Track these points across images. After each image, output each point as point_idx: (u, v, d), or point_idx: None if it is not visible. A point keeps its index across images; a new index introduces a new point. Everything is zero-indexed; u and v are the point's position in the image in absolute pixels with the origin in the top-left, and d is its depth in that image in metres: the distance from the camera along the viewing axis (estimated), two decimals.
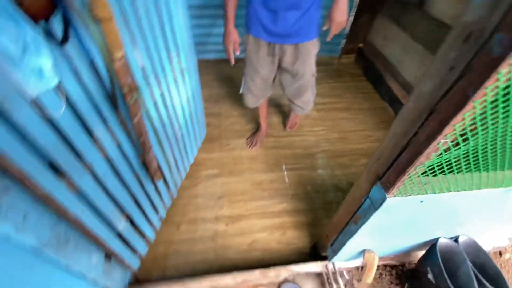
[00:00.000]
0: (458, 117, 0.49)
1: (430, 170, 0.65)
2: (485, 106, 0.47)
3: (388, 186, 0.70)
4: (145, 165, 1.07)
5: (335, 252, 1.11)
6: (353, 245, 1.03)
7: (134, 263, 1.17)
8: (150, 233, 1.26)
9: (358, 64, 2.85)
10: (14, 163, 0.57)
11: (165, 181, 1.32)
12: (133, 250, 1.15)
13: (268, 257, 1.39)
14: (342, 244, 1.03)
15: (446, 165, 0.63)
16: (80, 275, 0.92)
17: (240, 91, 1.56)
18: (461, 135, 0.54)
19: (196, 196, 1.63)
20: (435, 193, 0.72)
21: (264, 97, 1.59)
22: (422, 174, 0.66)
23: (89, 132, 0.76)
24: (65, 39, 0.60)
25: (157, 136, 1.11)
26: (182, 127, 1.40)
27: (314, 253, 1.38)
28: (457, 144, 0.55)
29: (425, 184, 0.72)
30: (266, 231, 1.49)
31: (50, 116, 0.62)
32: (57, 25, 0.58)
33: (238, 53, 1.27)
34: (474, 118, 0.50)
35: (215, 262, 1.36)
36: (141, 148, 0.98)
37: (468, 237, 1.08)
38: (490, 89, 0.43)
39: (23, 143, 0.58)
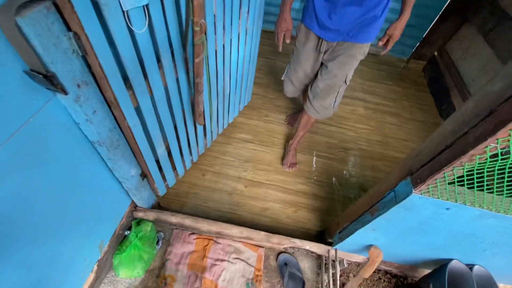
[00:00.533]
0: None
1: (467, 177, 0.63)
2: None
3: (418, 182, 0.69)
4: (193, 107, 1.17)
5: (341, 239, 1.14)
6: (361, 237, 1.04)
7: (161, 189, 1.32)
8: (180, 169, 1.39)
9: (426, 73, 2.62)
10: (99, 62, 0.68)
11: (204, 128, 1.42)
12: (163, 177, 1.29)
13: (275, 227, 1.46)
14: (351, 233, 1.04)
15: (487, 176, 0.61)
16: (118, 181, 1.07)
17: (282, 77, 1.52)
18: None
19: (226, 154, 1.73)
20: (465, 204, 0.70)
21: (303, 90, 1.52)
22: (457, 179, 0.64)
23: (158, 58, 0.85)
24: None
25: (209, 84, 1.19)
26: (232, 85, 1.47)
27: (320, 238, 1.41)
28: (507, 153, 0.53)
29: (458, 193, 0.70)
30: (280, 204, 1.55)
31: (133, 30, 0.71)
32: None
33: (288, 41, 1.23)
34: None
35: (227, 214, 1.46)
36: (194, 89, 1.07)
37: (485, 270, 1.02)
38: None
39: (109, 47, 0.68)
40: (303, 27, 1.22)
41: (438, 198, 0.70)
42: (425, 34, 2.45)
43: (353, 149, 1.90)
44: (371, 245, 1.08)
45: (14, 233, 0.68)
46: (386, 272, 1.39)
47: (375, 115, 2.17)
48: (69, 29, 0.60)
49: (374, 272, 1.40)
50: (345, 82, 1.28)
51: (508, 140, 0.51)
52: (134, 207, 1.30)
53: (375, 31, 1.10)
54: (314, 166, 1.76)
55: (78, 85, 0.68)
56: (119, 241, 1.24)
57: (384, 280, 1.36)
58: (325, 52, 1.23)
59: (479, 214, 0.72)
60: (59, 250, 0.86)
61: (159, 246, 1.31)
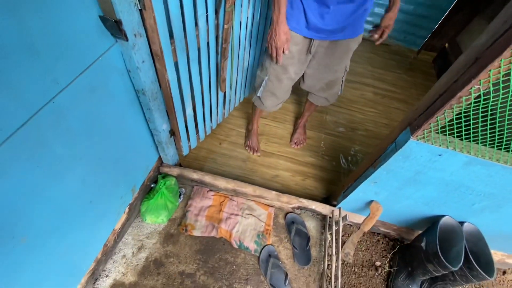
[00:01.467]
0: (495, 63, 0.59)
1: (457, 121, 0.75)
2: None
3: (415, 129, 0.82)
4: (217, 73, 1.30)
5: (345, 197, 1.27)
6: (363, 192, 1.17)
7: (185, 149, 1.47)
8: (202, 133, 1.54)
9: (435, 64, 2.70)
10: (154, 16, 0.81)
11: (224, 97, 1.56)
12: (188, 138, 1.44)
13: (285, 191, 1.59)
14: (354, 188, 1.17)
15: (473, 121, 0.73)
16: (151, 133, 1.23)
17: (258, 94, 1.32)
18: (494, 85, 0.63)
19: (241, 126, 1.87)
20: (455, 150, 0.82)
21: (284, 100, 1.40)
22: (448, 123, 0.76)
23: (195, 20, 0.99)
24: None
25: (232, 52, 1.32)
26: (251, 58, 1.59)
27: (326, 202, 1.55)
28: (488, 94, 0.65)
29: (449, 141, 0.82)
30: (289, 172, 1.69)
31: None
32: None
33: (287, 52, 1.08)
34: (510, 68, 0.59)
35: (241, 177, 1.61)
36: (221, 55, 1.20)
37: (474, 226, 1.14)
38: None
39: (163, 4, 0.82)
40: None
41: (432, 143, 0.83)
42: (437, 25, 2.52)
43: (360, 130, 2.01)
44: (372, 201, 1.21)
45: (78, 153, 0.83)
46: (385, 236, 1.51)
47: (383, 100, 2.27)
48: None
49: (374, 234, 1.53)
50: (346, 69, 1.29)
51: (489, 82, 0.63)
52: (161, 163, 1.45)
53: (364, 22, 1.12)
54: (323, 141, 1.89)
55: (135, 35, 0.82)
56: (147, 191, 1.40)
57: (382, 242, 1.49)
58: (315, 53, 1.16)
59: (467, 161, 0.84)
60: (104, 181, 1.02)
61: (181, 199, 1.47)
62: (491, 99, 0.66)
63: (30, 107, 0.63)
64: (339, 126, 2.00)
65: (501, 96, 0.63)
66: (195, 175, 1.45)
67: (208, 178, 1.45)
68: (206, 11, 1.01)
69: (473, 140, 0.82)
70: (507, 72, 0.60)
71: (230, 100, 1.69)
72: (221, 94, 1.50)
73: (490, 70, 0.61)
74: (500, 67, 0.59)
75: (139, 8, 0.79)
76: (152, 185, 1.41)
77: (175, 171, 1.45)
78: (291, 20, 1.02)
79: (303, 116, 1.78)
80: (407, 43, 2.78)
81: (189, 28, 0.97)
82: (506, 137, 0.76)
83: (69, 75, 0.71)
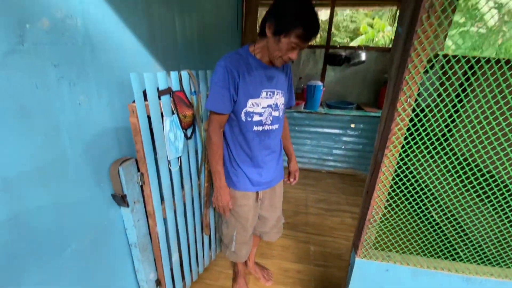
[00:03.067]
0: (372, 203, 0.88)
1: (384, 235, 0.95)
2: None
3: (356, 246, 0.99)
4: (201, 220, 1.56)
5: None
6: None
7: None
8: (188, 279, 1.58)
9: None
10: (150, 187, 1.16)
11: (209, 240, 1.73)
12: (174, 286, 1.48)
13: None
14: None
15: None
16: (138, 284, 1.31)
17: (232, 249, 1.42)
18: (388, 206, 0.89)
19: (229, 267, 1.91)
20: (397, 264, 0.96)
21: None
22: (380, 239, 0.96)
23: (182, 185, 1.35)
24: (190, 137, 1.30)
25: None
26: None
27: None
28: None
29: (388, 256, 0.98)
30: None
31: (171, 169, 1.24)
32: (189, 132, 1.29)
33: (231, 207, 1.27)
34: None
35: None
36: (204, 204, 1.50)
37: None
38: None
39: (155, 176, 1.19)
40: (239, 193, 1.26)
41: (376, 259, 0.97)
42: None
43: (346, 257, 2.05)
44: None
45: None
46: None
47: None
48: (138, 170, 1.13)
49: None
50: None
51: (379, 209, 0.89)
52: None
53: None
54: (313, 274, 1.88)
55: (134, 202, 1.13)
56: None
57: None
58: (263, 197, 1.37)
59: (413, 272, 0.96)
60: None
61: None
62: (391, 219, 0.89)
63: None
64: (326, 256, 2.05)
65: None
66: None
67: None
68: (190, 177, 1.39)
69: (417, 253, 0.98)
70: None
71: (216, 242, 1.85)
72: (206, 237, 1.69)
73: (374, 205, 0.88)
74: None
75: (140, 184, 1.15)
76: None
77: None
78: (240, 185, 1.24)
79: (252, 253, 1.80)
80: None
81: (176, 192, 1.31)
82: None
83: (79, 239, 0.95)
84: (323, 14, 7.07)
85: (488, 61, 1.70)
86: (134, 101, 1.01)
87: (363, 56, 3.22)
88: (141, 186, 1.16)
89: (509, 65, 1.50)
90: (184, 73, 1.19)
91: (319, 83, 3.10)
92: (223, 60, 1.04)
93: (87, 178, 0.95)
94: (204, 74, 1.32)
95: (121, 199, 1.06)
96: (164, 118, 1.13)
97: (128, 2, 1.07)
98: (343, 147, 3.24)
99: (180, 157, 1.27)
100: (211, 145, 1.15)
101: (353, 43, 7.10)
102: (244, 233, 1.39)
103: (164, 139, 1.15)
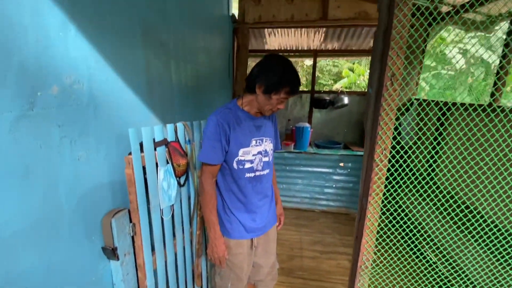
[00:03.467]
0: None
1: None
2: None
3: None
4: (193, 270, 1.50)
5: None
6: None
7: None
8: None
9: None
10: (141, 238, 1.15)
11: None
12: None
13: None
14: None
15: None
16: None
17: None
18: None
19: None
20: None
21: None
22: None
23: (174, 233, 1.34)
24: (183, 184, 1.33)
25: (205, 252, 1.59)
26: None
27: None
28: None
29: None
30: None
31: (163, 218, 1.24)
32: (182, 179, 1.32)
33: (227, 257, 1.25)
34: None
35: None
36: (196, 253, 1.47)
37: None
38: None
39: (147, 226, 1.18)
40: (233, 242, 1.25)
41: None
42: None
43: None
44: None
45: None
46: None
47: None
48: (130, 221, 1.13)
49: None
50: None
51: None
52: None
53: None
54: None
55: (125, 254, 1.11)
56: None
57: None
58: (257, 244, 1.34)
59: None
60: None
61: None
62: None
63: None
64: None
65: None
66: None
67: None
68: (182, 225, 1.38)
69: None
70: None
71: None
72: None
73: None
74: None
75: (132, 235, 1.14)
76: None
77: None
78: (234, 233, 1.23)
79: None
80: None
81: (168, 241, 1.29)
82: None
83: None
84: (307, 61, 7.68)
85: (454, 104, 1.89)
86: (130, 153, 1.06)
87: (346, 100, 3.47)
88: (132, 237, 1.15)
89: (474, 108, 1.67)
90: (180, 125, 1.27)
91: (307, 124, 3.26)
92: (214, 115, 1.13)
93: (80, 232, 0.95)
94: (198, 124, 1.41)
95: (111, 252, 1.05)
96: (158, 168, 1.17)
97: (130, 63, 1.19)
98: (334, 186, 3.29)
99: (172, 205, 1.28)
100: (204, 195, 1.18)
101: (337, 85, 7.62)
102: (239, 284, 1.34)
103: (158, 188, 1.18)
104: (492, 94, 1.75)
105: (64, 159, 0.87)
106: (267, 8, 2.88)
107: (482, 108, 1.65)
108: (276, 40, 3.61)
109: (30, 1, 0.73)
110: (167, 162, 1.22)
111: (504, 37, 1.73)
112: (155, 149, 1.15)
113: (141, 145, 1.09)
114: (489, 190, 1.39)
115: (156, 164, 1.16)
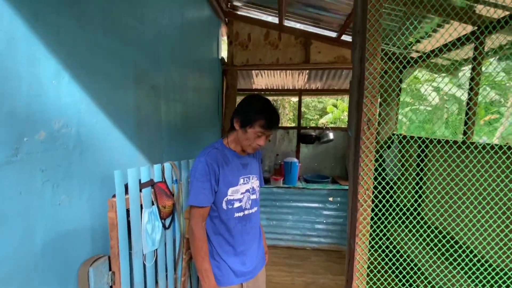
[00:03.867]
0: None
1: None
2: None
3: None
4: None
5: None
6: None
7: None
8: None
9: None
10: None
11: None
12: None
13: None
14: None
15: None
16: None
17: None
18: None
19: None
20: None
21: None
22: None
23: (156, 280, 1.25)
24: (168, 227, 1.28)
25: None
26: None
27: None
28: None
29: None
30: None
31: (145, 264, 1.17)
32: (167, 221, 1.28)
33: None
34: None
35: None
36: None
37: None
38: None
39: (128, 273, 1.11)
40: None
41: None
42: None
43: None
44: None
45: None
46: None
47: None
48: (110, 269, 1.06)
49: None
50: None
51: None
52: None
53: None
54: None
55: None
56: None
57: None
58: None
59: None
60: None
61: None
62: None
63: None
64: None
65: None
66: None
67: None
68: (166, 271, 1.30)
69: None
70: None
71: None
72: None
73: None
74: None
75: (110, 284, 1.06)
76: None
77: None
78: (224, 279, 1.17)
79: None
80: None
81: (148, 285, 1.20)
82: None
83: None
84: (294, 98, 8.07)
85: (431, 141, 1.99)
86: (114, 195, 1.03)
87: (331, 135, 3.60)
88: (111, 287, 1.07)
89: (451, 145, 1.77)
90: (167, 165, 1.28)
91: (295, 159, 3.31)
92: (203, 156, 1.14)
93: (53, 284, 0.88)
94: (186, 163, 1.42)
95: None
96: (143, 210, 1.14)
97: (121, 105, 1.22)
98: (324, 221, 3.24)
99: (156, 250, 1.22)
100: (195, 241, 1.11)
101: (323, 120, 7.94)
102: None
103: (142, 232, 1.13)
104: (465, 132, 1.87)
105: (44, 204, 0.84)
106: (254, 53, 3.10)
107: (457, 145, 1.76)
108: (263, 80, 3.82)
109: (27, 51, 0.77)
110: (153, 204, 1.19)
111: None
112: (140, 191, 1.13)
113: (126, 186, 1.08)
114: (474, 224, 1.42)
115: (141, 206, 1.14)
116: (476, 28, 1.79)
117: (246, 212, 1.23)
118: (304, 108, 8.87)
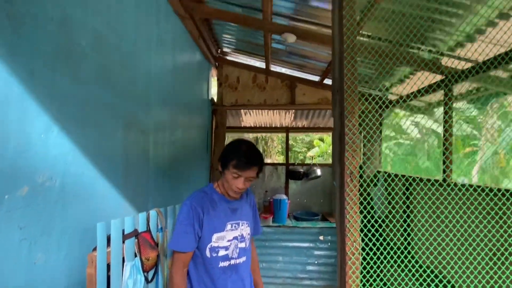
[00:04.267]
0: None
1: None
2: None
3: None
4: None
5: None
6: None
7: None
8: None
9: None
10: None
11: None
12: None
13: None
14: None
15: None
16: None
17: None
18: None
19: None
20: None
21: None
22: None
23: None
24: (150, 280, 1.21)
25: None
26: None
27: None
28: None
29: None
30: None
31: None
32: (150, 274, 1.21)
33: None
34: None
35: None
36: None
37: None
38: None
39: None
40: None
41: None
42: None
43: None
44: None
45: None
46: None
47: None
48: None
49: None
50: None
51: None
52: None
53: None
54: None
55: None
56: None
57: None
58: None
59: None
60: None
61: None
62: None
63: None
64: None
65: None
66: None
67: None
68: None
69: None
70: None
71: None
72: None
73: None
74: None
75: None
76: None
77: None
78: None
79: None
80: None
81: None
82: None
83: None
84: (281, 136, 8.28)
85: (414, 179, 2.05)
86: (95, 249, 0.98)
87: (319, 171, 3.65)
88: None
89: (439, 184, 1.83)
90: (153, 213, 1.24)
91: (284, 196, 3.29)
92: (188, 199, 1.13)
93: None
94: (173, 209, 1.38)
95: None
96: (125, 263, 1.08)
97: (109, 153, 1.22)
98: (316, 262, 3.13)
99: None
100: (172, 286, 1.07)
101: (310, 153, 8.09)
102: None
103: None
104: (444, 171, 1.96)
105: (19, 264, 0.78)
106: (243, 94, 3.25)
107: (438, 183, 1.82)
108: (252, 118, 3.94)
109: (20, 110, 0.78)
110: (135, 256, 1.13)
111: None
112: (123, 242, 1.08)
113: (108, 237, 1.03)
114: (463, 262, 1.41)
115: (123, 259, 1.08)
116: (445, 77, 1.97)
117: (232, 262, 1.18)
118: (292, 141, 9.06)
